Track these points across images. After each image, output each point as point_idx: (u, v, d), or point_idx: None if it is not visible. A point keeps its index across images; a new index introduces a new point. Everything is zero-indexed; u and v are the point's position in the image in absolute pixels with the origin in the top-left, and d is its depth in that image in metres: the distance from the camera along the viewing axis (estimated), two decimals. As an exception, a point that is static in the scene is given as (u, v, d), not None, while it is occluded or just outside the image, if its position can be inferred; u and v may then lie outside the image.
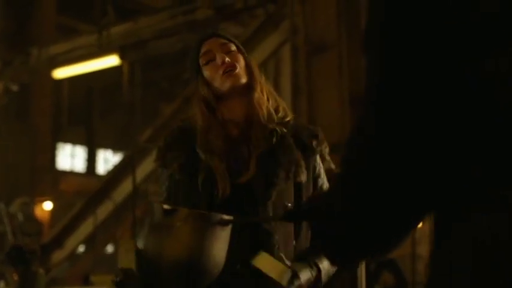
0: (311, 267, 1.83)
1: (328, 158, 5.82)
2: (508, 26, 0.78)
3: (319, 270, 1.86)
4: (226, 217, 1.53)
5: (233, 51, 2.07)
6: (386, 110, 0.84)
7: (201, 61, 2.07)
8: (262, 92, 2.04)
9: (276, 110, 2.05)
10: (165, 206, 1.53)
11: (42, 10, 13.79)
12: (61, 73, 11.83)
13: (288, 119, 2.05)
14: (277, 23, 8.56)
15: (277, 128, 2.00)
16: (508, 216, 0.77)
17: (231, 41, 2.10)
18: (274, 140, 1.98)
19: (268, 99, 2.05)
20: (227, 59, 2.02)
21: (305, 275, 1.80)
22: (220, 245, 1.54)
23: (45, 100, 13.67)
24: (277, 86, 9.96)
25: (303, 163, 2.00)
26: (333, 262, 1.03)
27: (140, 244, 1.54)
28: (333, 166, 5.51)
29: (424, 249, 11.78)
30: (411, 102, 0.82)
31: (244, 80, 2.02)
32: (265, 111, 2.01)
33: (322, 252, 1.05)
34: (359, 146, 0.90)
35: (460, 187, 0.82)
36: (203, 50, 2.08)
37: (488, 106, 0.79)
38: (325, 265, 1.89)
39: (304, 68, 7.54)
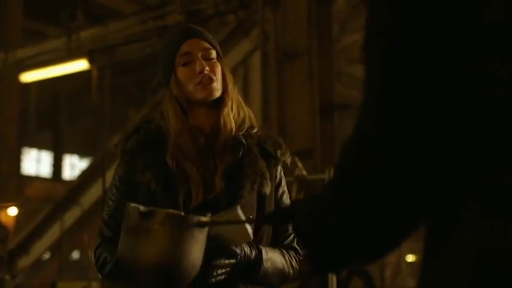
0: (252, 247, 1.85)
1: (300, 165, 5.79)
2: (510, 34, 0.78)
3: (259, 251, 1.86)
4: (203, 219, 1.52)
5: (213, 59, 1.99)
6: (387, 117, 0.83)
7: (179, 60, 1.97)
8: (232, 106, 1.98)
9: (243, 121, 2.00)
10: (142, 208, 1.50)
11: (9, 13, 13.61)
12: (28, 77, 11.70)
13: (254, 130, 2.01)
14: (247, 30, 8.56)
15: (243, 140, 1.96)
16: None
17: (213, 47, 2.01)
18: (240, 153, 1.94)
19: (237, 112, 2.00)
20: (207, 68, 1.94)
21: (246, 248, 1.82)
22: (197, 247, 1.52)
23: (11, 104, 13.49)
24: (247, 93, 9.96)
25: (267, 174, 1.97)
26: (315, 267, 1.01)
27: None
28: (304, 173, 5.50)
29: (392, 257, 11.85)
30: (414, 108, 0.82)
31: (218, 93, 1.96)
32: (230, 126, 1.95)
33: (307, 256, 1.02)
34: (356, 152, 0.87)
35: (461, 194, 0.81)
36: (183, 49, 1.98)
37: (493, 112, 0.79)
38: (270, 255, 1.90)
39: (275, 75, 7.55)
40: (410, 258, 13.18)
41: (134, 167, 1.92)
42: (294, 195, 5.13)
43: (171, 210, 1.52)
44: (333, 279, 4.45)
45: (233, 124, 1.96)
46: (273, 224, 1.92)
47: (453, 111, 0.81)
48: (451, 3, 0.80)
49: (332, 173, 0.97)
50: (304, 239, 1.03)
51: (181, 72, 1.97)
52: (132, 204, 1.52)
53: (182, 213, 1.51)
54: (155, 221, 1.47)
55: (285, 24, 7.55)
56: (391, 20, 0.83)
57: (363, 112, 0.87)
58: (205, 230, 1.52)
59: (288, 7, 7.59)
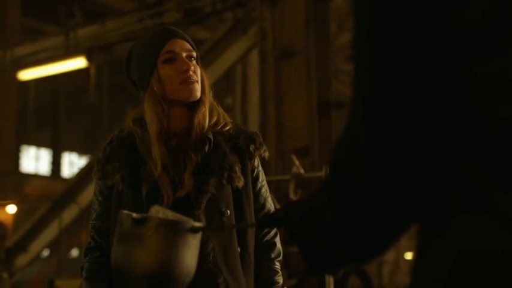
0: None
1: (297, 163, 5.80)
2: (495, 34, 0.79)
3: None
4: (197, 224, 1.52)
5: (195, 60, 2.00)
6: (376, 115, 0.84)
7: (161, 58, 1.97)
8: (207, 109, 2.00)
9: (216, 123, 2.01)
10: (134, 215, 1.50)
11: (7, 11, 13.60)
12: (27, 75, 11.69)
13: (227, 128, 2.02)
14: (245, 28, 8.56)
15: (209, 136, 1.97)
16: (498, 224, 0.77)
17: (194, 49, 2.02)
18: (206, 148, 1.95)
19: (211, 114, 2.01)
20: (192, 67, 1.96)
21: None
22: (191, 253, 1.52)
23: (9, 102, 13.48)
24: (245, 91, 9.96)
25: (238, 168, 1.97)
26: (312, 269, 1.01)
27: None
28: (301, 170, 5.51)
29: (389, 254, 11.85)
30: (401, 107, 0.82)
31: (199, 95, 1.97)
32: (204, 127, 1.98)
33: (302, 258, 1.02)
34: (348, 152, 0.88)
35: (450, 193, 0.81)
36: (167, 47, 1.97)
37: (479, 112, 0.80)
38: None
39: (273, 73, 7.54)
40: (409, 256, 13.19)
41: (106, 172, 1.98)
42: (291, 192, 5.14)
43: (163, 216, 1.52)
44: (330, 278, 4.47)
45: (206, 125, 1.98)
46: (267, 228, 1.94)
47: (439, 109, 0.81)
48: (432, 3, 0.81)
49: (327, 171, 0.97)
50: (299, 240, 1.03)
51: (164, 69, 1.96)
52: (125, 211, 1.52)
53: (175, 219, 1.51)
54: (148, 227, 1.47)
55: (282, 22, 7.55)
56: (377, 20, 0.84)
57: (353, 110, 0.88)
58: (198, 236, 1.52)
59: (285, 5, 7.58)
